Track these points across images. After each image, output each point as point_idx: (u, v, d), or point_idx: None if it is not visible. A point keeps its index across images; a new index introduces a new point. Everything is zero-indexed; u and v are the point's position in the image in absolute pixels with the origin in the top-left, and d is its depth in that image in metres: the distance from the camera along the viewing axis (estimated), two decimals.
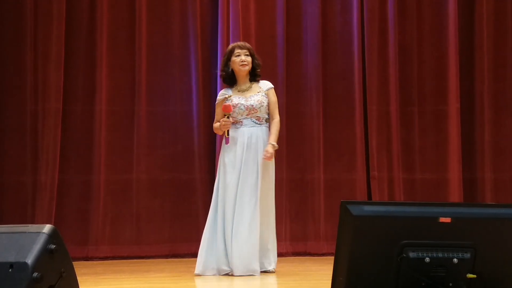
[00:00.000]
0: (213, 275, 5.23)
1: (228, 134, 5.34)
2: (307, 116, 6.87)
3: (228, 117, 5.31)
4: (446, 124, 7.00)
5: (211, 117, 6.71)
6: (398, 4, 7.03)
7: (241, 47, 5.48)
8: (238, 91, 5.46)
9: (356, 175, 6.89)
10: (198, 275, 5.24)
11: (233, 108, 5.32)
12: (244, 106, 5.35)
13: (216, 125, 5.49)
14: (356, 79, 6.91)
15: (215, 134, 6.65)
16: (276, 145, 5.35)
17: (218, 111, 5.48)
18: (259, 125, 5.38)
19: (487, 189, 6.99)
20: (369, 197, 6.86)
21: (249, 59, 5.44)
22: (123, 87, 6.68)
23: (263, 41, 6.78)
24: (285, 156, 6.73)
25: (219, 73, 5.69)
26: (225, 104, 5.35)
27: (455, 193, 6.91)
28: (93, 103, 6.57)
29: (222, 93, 5.54)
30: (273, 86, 5.54)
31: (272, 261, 5.33)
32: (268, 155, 5.29)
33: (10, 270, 3.10)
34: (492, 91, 7.09)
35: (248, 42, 6.57)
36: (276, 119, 5.45)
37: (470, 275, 3.16)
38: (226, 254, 5.23)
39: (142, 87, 6.65)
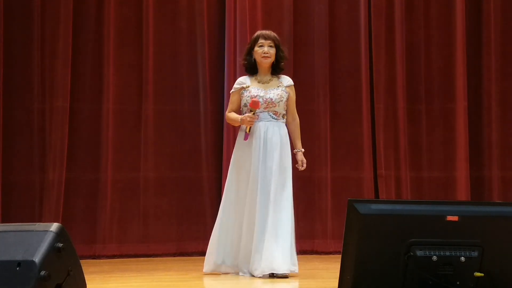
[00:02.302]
0: (233, 273, 5.12)
1: (249, 131, 5.07)
2: (315, 114, 6.86)
3: (254, 113, 5.04)
4: (453, 122, 6.99)
5: (218, 116, 6.74)
6: (405, 2, 7.02)
7: (265, 37, 5.18)
8: (258, 82, 5.20)
9: (363, 173, 6.89)
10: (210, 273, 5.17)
11: (260, 105, 5.07)
12: (262, 99, 5.09)
13: (232, 115, 5.19)
14: (363, 77, 6.91)
15: (222, 132, 6.66)
16: (303, 150, 5.26)
17: (234, 99, 5.23)
18: (275, 120, 5.15)
19: (494, 188, 6.98)
20: (376, 195, 6.87)
21: (272, 51, 5.16)
22: (130, 86, 6.68)
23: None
24: (292, 154, 6.72)
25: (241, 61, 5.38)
26: (254, 99, 5.05)
27: (463, 192, 6.90)
28: (101, 102, 6.58)
29: (240, 82, 5.26)
30: (293, 83, 5.34)
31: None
32: (305, 165, 5.22)
33: (17, 268, 3.13)
34: (500, 89, 7.08)
35: None
36: (297, 120, 5.31)
37: (477, 274, 3.18)
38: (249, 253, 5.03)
39: (149, 85, 6.65)
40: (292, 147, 5.26)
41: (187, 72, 6.75)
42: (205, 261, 5.25)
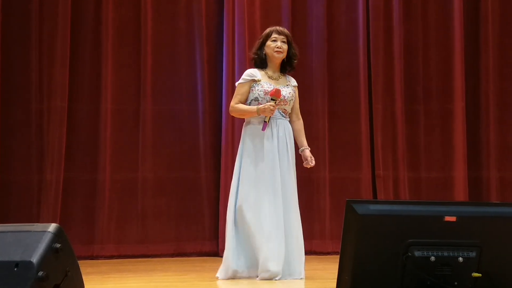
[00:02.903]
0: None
1: (269, 120, 4.89)
2: (313, 115, 6.85)
3: (275, 102, 4.85)
4: (451, 123, 7.00)
5: (216, 116, 6.74)
6: (403, 3, 7.04)
7: (279, 32, 5.03)
8: (269, 77, 5.03)
9: (362, 174, 6.90)
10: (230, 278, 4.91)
11: (265, 95, 4.91)
12: None
13: (242, 107, 4.97)
14: (362, 77, 6.92)
15: (221, 132, 6.66)
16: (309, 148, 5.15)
17: (243, 91, 4.99)
18: (285, 118, 5.03)
19: (492, 188, 7.00)
20: (375, 196, 6.88)
21: (285, 46, 5.02)
22: (129, 86, 6.70)
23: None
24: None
25: (251, 55, 5.21)
26: (277, 88, 4.90)
27: (461, 192, 6.91)
28: (99, 102, 6.59)
29: (250, 74, 5.03)
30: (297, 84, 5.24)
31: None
32: (314, 160, 5.09)
33: (15, 268, 3.09)
34: (498, 90, 7.10)
35: (253, 41, 6.57)
36: (301, 119, 5.18)
37: (475, 274, 3.16)
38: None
39: (147, 85, 6.66)
40: (297, 146, 5.19)
41: (185, 73, 6.75)
42: (226, 265, 4.90)
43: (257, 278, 4.82)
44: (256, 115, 4.91)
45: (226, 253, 4.90)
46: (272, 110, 4.85)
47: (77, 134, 6.59)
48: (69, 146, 6.52)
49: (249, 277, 4.87)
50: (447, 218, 3.15)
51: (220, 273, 4.94)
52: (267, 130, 4.92)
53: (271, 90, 4.93)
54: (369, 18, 6.96)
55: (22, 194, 6.44)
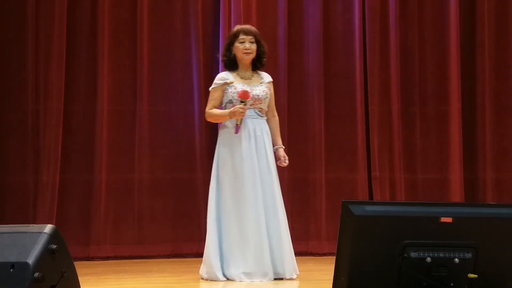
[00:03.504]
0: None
1: (241, 123, 4.92)
2: (309, 116, 6.87)
3: (245, 104, 4.89)
4: (447, 125, 7.00)
5: None
6: (400, 4, 7.03)
7: (246, 33, 5.06)
8: (241, 78, 5.07)
9: (358, 175, 6.89)
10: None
11: (239, 97, 4.94)
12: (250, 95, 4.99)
13: (216, 111, 5.04)
14: (358, 79, 6.91)
15: (217, 133, 6.64)
16: (284, 147, 5.19)
17: (216, 96, 5.04)
18: (261, 117, 5.06)
19: (488, 189, 6.99)
20: (371, 197, 6.87)
21: (254, 46, 5.06)
22: (125, 87, 6.68)
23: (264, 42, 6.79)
24: (286, 156, 6.73)
25: (220, 57, 5.32)
26: (244, 90, 4.93)
27: (457, 193, 6.91)
28: (95, 103, 6.58)
29: (222, 77, 5.09)
30: (272, 79, 5.27)
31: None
32: (287, 160, 5.11)
33: (11, 270, 3.11)
34: (494, 92, 7.09)
35: None
36: (277, 116, 5.21)
37: (471, 275, 3.18)
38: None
39: (143, 87, 6.65)
40: (272, 144, 5.18)
41: (181, 74, 6.74)
42: (212, 267, 4.97)
43: (237, 280, 4.85)
44: (229, 118, 4.94)
45: (207, 256, 4.96)
46: (242, 113, 4.88)
47: (73, 135, 6.58)
48: (65, 147, 6.51)
49: (230, 280, 4.91)
50: (443, 219, 3.16)
51: (202, 272, 5.01)
52: (243, 131, 4.95)
53: (241, 91, 4.95)
54: (365, 19, 6.94)
55: (18, 195, 6.44)
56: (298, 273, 5.09)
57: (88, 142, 6.58)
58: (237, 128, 4.93)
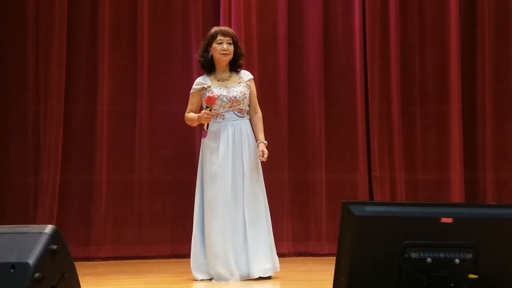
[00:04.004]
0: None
1: (207, 128, 5.07)
2: (309, 116, 6.88)
3: (210, 110, 5.01)
4: (447, 125, 7.00)
5: None
6: (400, 4, 7.04)
7: (224, 34, 5.15)
8: (218, 80, 5.17)
9: (358, 175, 6.90)
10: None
11: (216, 101, 5.05)
12: (226, 98, 5.07)
13: (190, 115, 5.19)
14: (358, 79, 6.92)
15: None
16: (266, 142, 5.21)
17: (193, 100, 5.20)
18: (241, 118, 5.13)
19: (488, 190, 6.99)
20: (371, 197, 6.87)
21: (231, 48, 5.14)
22: (125, 88, 6.70)
23: (265, 42, 6.79)
24: (287, 156, 6.74)
25: (197, 58, 5.38)
26: (209, 95, 5.03)
27: (457, 194, 6.91)
28: (95, 104, 6.59)
29: (199, 82, 5.22)
30: (252, 76, 5.35)
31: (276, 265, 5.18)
32: (266, 155, 5.12)
33: (12, 270, 3.11)
34: (494, 92, 7.09)
35: (250, 43, 6.61)
36: (260, 113, 5.25)
37: (471, 276, 3.17)
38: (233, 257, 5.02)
39: (143, 87, 6.66)
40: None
41: (181, 74, 6.74)
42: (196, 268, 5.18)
43: (213, 280, 5.01)
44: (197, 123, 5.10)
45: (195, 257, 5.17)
46: (207, 118, 5.00)
47: (74, 136, 6.60)
48: (65, 148, 6.52)
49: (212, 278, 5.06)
50: (444, 220, 3.15)
51: (195, 273, 5.14)
52: (222, 136, 5.05)
53: (206, 97, 5.07)
54: (365, 19, 6.95)
55: (18, 195, 6.45)
56: (278, 270, 5.14)
57: (88, 143, 6.60)
58: (204, 133, 5.13)
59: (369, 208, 3.17)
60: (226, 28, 5.28)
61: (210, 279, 5.09)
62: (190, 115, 5.20)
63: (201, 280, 5.11)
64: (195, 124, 5.27)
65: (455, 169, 6.95)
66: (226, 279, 4.97)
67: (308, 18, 6.94)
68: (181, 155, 6.74)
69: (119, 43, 6.70)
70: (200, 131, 6.70)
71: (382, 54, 6.96)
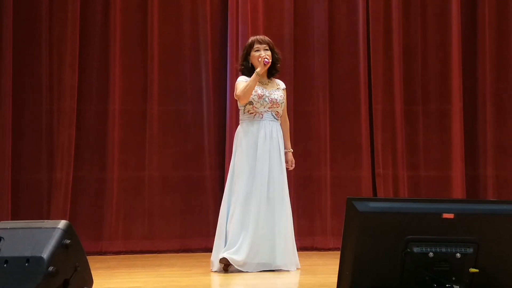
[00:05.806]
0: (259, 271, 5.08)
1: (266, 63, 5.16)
2: (314, 115, 6.93)
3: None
4: (449, 123, 7.05)
5: (221, 116, 6.80)
6: (403, 5, 7.07)
7: (260, 42, 5.28)
8: (259, 83, 5.25)
9: (362, 172, 6.95)
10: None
11: (258, 99, 5.16)
12: (268, 99, 5.21)
13: (246, 83, 5.16)
14: (362, 78, 6.97)
15: (225, 132, 6.72)
16: (292, 150, 5.38)
17: (243, 86, 5.18)
18: (276, 121, 5.27)
19: (489, 186, 7.03)
20: (374, 193, 6.91)
21: (268, 53, 5.26)
22: (136, 87, 6.76)
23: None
24: (292, 153, 6.79)
25: (238, 67, 5.47)
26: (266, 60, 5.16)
27: (458, 190, 6.96)
28: (107, 103, 6.66)
29: (245, 79, 5.27)
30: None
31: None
32: (294, 165, 5.33)
33: (26, 264, 3.19)
34: (494, 91, 7.13)
35: None
36: (288, 122, 5.42)
37: (472, 270, 3.20)
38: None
39: (154, 87, 6.73)
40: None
41: (190, 74, 6.81)
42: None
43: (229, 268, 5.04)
44: (259, 76, 5.14)
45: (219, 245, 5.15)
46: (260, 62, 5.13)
47: (86, 134, 6.66)
48: (78, 146, 6.59)
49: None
50: (445, 215, 3.17)
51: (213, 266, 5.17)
52: (260, 132, 5.16)
53: (260, 92, 5.17)
54: (369, 20, 6.99)
55: (32, 192, 6.52)
56: (299, 267, 5.23)
57: (100, 141, 6.66)
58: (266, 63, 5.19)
59: (373, 204, 3.19)
60: (261, 36, 5.37)
61: (226, 270, 5.11)
62: (245, 84, 5.17)
63: (215, 271, 5.15)
64: (254, 84, 5.14)
65: (456, 166, 7.00)
66: (240, 266, 5.04)
67: (313, 19, 6.99)
68: (190, 152, 6.80)
69: (130, 43, 6.76)
70: (209, 128, 6.78)
71: (385, 55, 7.01)
